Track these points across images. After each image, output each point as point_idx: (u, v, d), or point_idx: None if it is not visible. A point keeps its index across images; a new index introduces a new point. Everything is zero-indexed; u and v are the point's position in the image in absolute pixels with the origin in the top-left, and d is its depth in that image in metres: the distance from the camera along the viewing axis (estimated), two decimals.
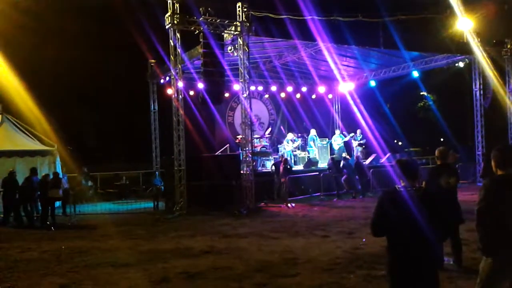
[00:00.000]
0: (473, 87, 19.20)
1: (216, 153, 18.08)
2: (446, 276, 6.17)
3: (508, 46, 19.05)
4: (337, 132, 21.56)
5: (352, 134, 20.64)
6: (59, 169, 16.46)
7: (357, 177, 16.65)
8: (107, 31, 26.10)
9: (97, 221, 13.37)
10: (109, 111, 27.94)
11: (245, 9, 14.12)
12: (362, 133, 20.60)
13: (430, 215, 3.72)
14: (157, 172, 18.40)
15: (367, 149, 20.97)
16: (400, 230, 3.76)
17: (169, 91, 17.49)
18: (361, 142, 20.38)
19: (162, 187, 16.39)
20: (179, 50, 13.92)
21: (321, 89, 23.46)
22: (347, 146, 20.55)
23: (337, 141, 20.93)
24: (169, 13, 13.52)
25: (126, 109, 27.42)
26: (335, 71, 20.58)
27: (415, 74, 20.64)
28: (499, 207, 3.88)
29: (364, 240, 8.83)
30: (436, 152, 6.95)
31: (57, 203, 14.43)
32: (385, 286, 3.96)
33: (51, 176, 13.89)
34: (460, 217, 6.64)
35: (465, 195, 10.75)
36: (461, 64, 19.73)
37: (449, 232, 4.46)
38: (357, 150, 20.18)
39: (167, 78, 18.58)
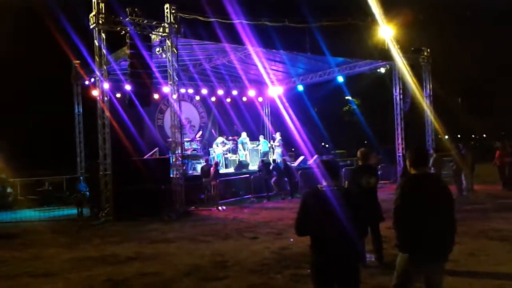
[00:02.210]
0: (394, 92, 20.14)
1: (145, 157, 17.68)
2: (368, 272, 6.44)
3: (425, 53, 20.29)
4: (277, 135, 21.51)
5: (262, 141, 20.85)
6: None
7: (286, 178, 16.97)
8: (27, 30, 24.70)
9: (16, 230, 12.55)
10: (29, 114, 26.43)
11: (174, 11, 13.94)
12: (286, 135, 20.90)
13: (351, 214, 3.86)
14: (81, 177, 17.66)
15: (296, 151, 21.42)
16: (324, 229, 3.86)
17: (95, 93, 16.88)
18: (276, 144, 20.62)
19: (87, 193, 15.76)
20: (104, 51, 13.46)
21: (251, 92, 23.76)
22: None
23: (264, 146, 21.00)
24: (93, 13, 13.01)
25: (48, 111, 26.03)
26: (264, 75, 20.85)
27: (340, 79, 21.43)
28: (414, 204, 4.06)
29: (291, 240, 9.00)
30: (358, 153, 7.24)
31: None
32: (311, 285, 4.06)
33: None
34: (380, 216, 6.96)
35: (386, 195, 11.30)
36: (382, 70, 20.68)
37: (366, 230, 4.60)
38: (278, 153, 20.34)
39: (92, 80, 17.91)
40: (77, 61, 19.67)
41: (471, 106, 37.32)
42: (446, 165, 16.16)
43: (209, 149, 20.41)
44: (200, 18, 13.95)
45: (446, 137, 22.68)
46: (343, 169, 16.54)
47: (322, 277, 3.94)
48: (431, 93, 20.41)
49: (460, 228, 4.28)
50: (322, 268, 3.92)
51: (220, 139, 20.02)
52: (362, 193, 6.60)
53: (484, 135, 48.05)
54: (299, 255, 7.78)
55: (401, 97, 19.97)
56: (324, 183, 4.01)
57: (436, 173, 13.24)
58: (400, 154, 19.73)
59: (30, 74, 25.35)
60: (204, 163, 16.52)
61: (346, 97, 32.61)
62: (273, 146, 20.44)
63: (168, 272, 7.31)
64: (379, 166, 17.95)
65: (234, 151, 20.48)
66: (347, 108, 35.17)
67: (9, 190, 17.68)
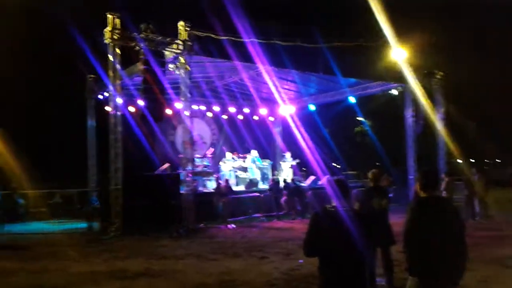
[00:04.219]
0: (406, 114, 20.07)
1: (156, 172, 17.72)
2: None
3: (437, 76, 20.20)
4: (287, 155, 21.46)
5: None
6: None
7: (296, 198, 16.86)
8: (42, 44, 25.12)
9: (26, 242, 12.66)
10: (43, 127, 26.75)
11: (188, 28, 14.12)
12: (298, 155, 20.82)
13: (361, 235, 3.81)
14: (94, 191, 17.73)
15: (307, 171, 21.31)
16: (333, 250, 3.81)
17: (108, 107, 17.04)
18: (292, 163, 20.55)
19: (98, 207, 15.79)
20: (118, 66, 13.62)
21: (263, 111, 23.82)
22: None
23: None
24: (108, 28, 13.24)
25: (61, 124, 26.34)
26: (276, 94, 20.86)
27: (352, 99, 21.39)
28: (424, 228, 4.02)
29: (301, 261, 8.89)
30: (369, 175, 7.17)
31: None
32: None
33: None
34: (391, 239, 6.85)
35: (397, 218, 11.14)
36: (395, 92, 20.52)
37: (376, 252, 4.53)
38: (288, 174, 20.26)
39: (106, 94, 18.11)
40: (91, 76, 19.93)
41: (487, 131, 36.94)
42: (459, 189, 15.95)
43: (219, 166, 20.41)
44: (213, 36, 14.09)
45: (460, 161, 22.41)
46: (354, 190, 16.40)
47: None
48: (444, 117, 20.26)
49: (472, 253, 4.19)
50: None
51: (229, 155, 20.03)
52: (373, 215, 6.52)
53: (499, 160, 47.47)
54: (308, 276, 7.67)
55: (414, 119, 19.84)
56: (334, 203, 3.97)
57: (448, 197, 13.09)
58: (412, 177, 19.53)
59: (44, 87, 25.71)
60: (220, 181, 16.46)
61: (358, 118, 32.50)
62: (291, 165, 20.42)
63: None
64: (391, 188, 17.78)
65: (244, 169, 20.46)
66: (359, 128, 35.05)
67: (20, 201, 17.79)
